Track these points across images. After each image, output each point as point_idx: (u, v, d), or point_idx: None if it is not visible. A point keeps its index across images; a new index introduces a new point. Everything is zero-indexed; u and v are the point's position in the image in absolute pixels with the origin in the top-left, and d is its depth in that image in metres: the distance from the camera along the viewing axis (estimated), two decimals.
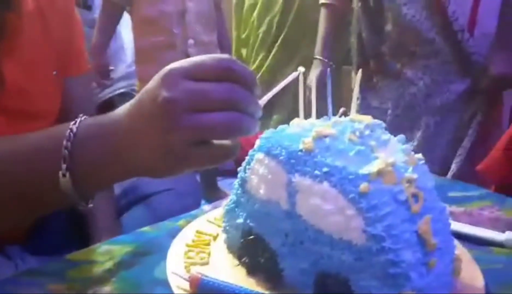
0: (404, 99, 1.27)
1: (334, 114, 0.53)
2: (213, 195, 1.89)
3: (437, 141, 1.23)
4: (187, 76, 0.42)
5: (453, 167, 1.20)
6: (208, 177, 1.99)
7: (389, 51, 1.29)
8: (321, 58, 1.38)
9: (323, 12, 1.40)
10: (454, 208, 0.68)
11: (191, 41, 1.62)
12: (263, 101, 0.46)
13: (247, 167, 0.52)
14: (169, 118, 0.42)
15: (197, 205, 0.92)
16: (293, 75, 0.49)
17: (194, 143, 0.42)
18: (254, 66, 2.30)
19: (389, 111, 1.29)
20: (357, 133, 0.48)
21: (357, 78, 0.56)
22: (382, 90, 1.31)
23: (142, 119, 0.43)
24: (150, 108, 0.42)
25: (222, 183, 2.04)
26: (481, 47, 1.19)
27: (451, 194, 0.73)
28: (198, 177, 1.87)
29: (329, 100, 0.53)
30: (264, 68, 2.27)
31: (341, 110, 0.58)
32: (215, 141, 0.44)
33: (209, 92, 0.42)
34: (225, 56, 0.44)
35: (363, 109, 1.33)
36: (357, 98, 1.40)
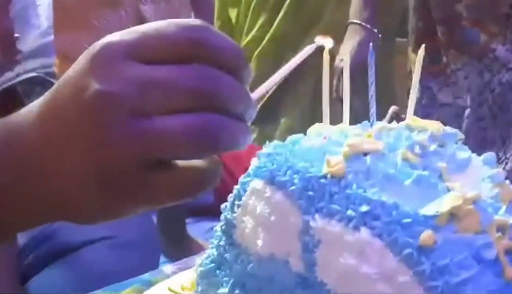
0: (492, 91, 1.29)
1: (379, 117, 0.55)
2: (180, 248, 1.87)
3: None
4: (133, 55, 0.43)
5: None
6: (171, 220, 1.98)
7: (468, 12, 1.32)
8: (360, 22, 1.41)
9: None
10: None
11: None
12: (258, 93, 0.47)
13: (236, 203, 0.53)
14: (104, 124, 0.42)
15: (153, 264, 0.92)
16: (308, 49, 0.51)
17: (146, 165, 0.43)
18: (250, 37, 2.32)
19: (468, 111, 1.31)
20: (417, 149, 0.50)
21: (417, 58, 0.58)
22: (456, 77, 1.33)
23: (60, 126, 0.44)
24: (74, 108, 0.43)
25: (194, 228, 2.05)
26: None
27: None
28: (154, 219, 1.87)
29: (372, 92, 0.55)
30: (265, 40, 2.28)
31: (392, 109, 0.61)
32: (181, 162, 0.45)
33: (168, 82, 0.43)
34: (195, 22, 0.45)
35: (427, 106, 1.36)
36: (417, 91, 1.43)
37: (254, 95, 0.47)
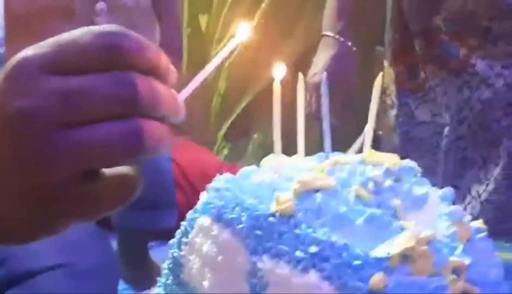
0: (471, 109, 1.28)
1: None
2: (141, 273, 1.86)
3: None
4: (49, 68, 0.43)
5: None
6: (132, 244, 1.96)
7: (446, 25, 1.31)
8: (333, 34, 1.40)
9: None
10: None
11: (101, 5, 1.64)
12: (185, 94, 0.47)
13: (183, 240, 0.52)
14: (27, 141, 0.42)
15: (111, 291, 0.92)
16: (232, 43, 0.50)
17: (75, 177, 0.43)
18: (222, 46, 2.31)
19: (447, 129, 1.30)
20: (371, 185, 0.49)
21: (375, 85, 0.56)
22: (435, 93, 1.32)
23: None
24: None
25: (157, 252, 1.99)
26: None
27: None
28: (114, 243, 1.85)
29: (326, 122, 0.53)
30: (238, 49, 2.27)
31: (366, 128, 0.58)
32: (107, 170, 0.45)
33: (86, 91, 0.43)
34: (111, 27, 0.45)
35: (405, 124, 1.34)
36: (395, 108, 1.42)
37: (181, 95, 0.47)
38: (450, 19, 1.31)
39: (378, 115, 0.56)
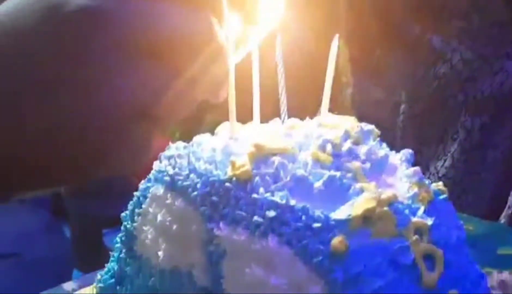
0: (427, 87, 1.29)
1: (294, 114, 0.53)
2: (96, 261, 1.85)
3: (484, 159, 1.25)
4: None
5: (511, 203, 1.23)
6: (86, 232, 1.97)
7: (402, 3, 1.31)
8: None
9: None
10: (506, 276, 0.69)
11: None
12: None
13: (136, 211, 0.52)
14: None
15: (64, 281, 0.91)
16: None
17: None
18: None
19: (403, 107, 1.30)
20: (329, 148, 0.48)
21: (331, 50, 0.55)
22: (390, 71, 1.33)
23: None
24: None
25: (111, 239, 1.99)
26: None
27: (502, 251, 0.74)
28: (67, 232, 1.84)
29: (282, 83, 0.53)
30: None
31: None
32: None
33: None
34: None
35: (358, 103, 1.35)
36: (351, 87, 1.43)
37: None
38: None
39: (333, 95, 0.56)
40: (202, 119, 2.12)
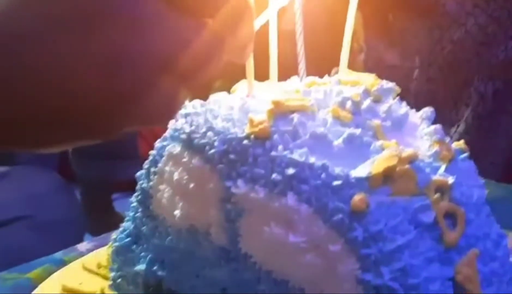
0: (442, 51, 1.28)
1: (312, 73, 0.53)
2: (106, 225, 1.86)
3: (499, 123, 1.25)
4: None
5: None
6: (96, 196, 1.98)
7: None
8: None
9: None
10: None
11: None
12: None
13: (152, 170, 0.51)
14: None
15: (76, 243, 0.92)
16: None
17: None
18: None
19: (416, 72, 1.30)
20: (349, 106, 0.48)
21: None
22: (403, 36, 1.32)
23: None
24: None
25: (121, 204, 2.01)
26: None
27: None
28: (78, 195, 1.85)
29: (301, 43, 0.52)
30: None
31: (334, 70, 0.58)
32: None
33: None
34: None
35: (373, 69, 1.34)
36: (363, 53, 1.42)
37: None
38: None
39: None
40: (211, 88, 2.13)
